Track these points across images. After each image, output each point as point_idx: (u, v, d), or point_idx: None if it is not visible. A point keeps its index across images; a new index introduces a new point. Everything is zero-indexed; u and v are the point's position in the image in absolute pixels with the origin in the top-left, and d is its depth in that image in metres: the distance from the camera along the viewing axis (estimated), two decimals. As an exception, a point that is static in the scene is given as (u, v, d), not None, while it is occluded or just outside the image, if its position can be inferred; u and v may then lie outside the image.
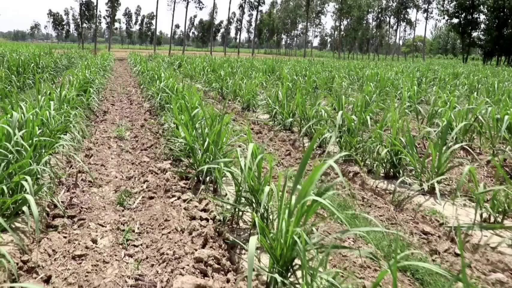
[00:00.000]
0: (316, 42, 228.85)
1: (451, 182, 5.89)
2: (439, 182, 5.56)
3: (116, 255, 4.29)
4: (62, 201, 5.04)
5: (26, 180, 4.39)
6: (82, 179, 5.59)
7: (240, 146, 6.86)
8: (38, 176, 5.02)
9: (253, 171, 4.64)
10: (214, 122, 6.68)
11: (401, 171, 5.91)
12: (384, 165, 6.03)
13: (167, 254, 4.20)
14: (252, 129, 11.65)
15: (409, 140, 6.35)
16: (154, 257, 4.26)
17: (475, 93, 16.18)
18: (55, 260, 4.12)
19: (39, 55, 23.64)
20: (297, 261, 3.77)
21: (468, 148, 6.09)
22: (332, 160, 3.72)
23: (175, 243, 4.41)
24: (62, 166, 5.71)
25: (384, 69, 29.98)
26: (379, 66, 39.18)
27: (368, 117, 8.83)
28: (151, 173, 5.80)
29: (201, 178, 5.50)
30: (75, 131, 8.64)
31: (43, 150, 5.12)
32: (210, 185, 5.47)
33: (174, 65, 33.45)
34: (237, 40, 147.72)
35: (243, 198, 4.76)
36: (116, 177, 5.70)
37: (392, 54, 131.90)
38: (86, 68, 18.04)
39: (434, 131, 8.80)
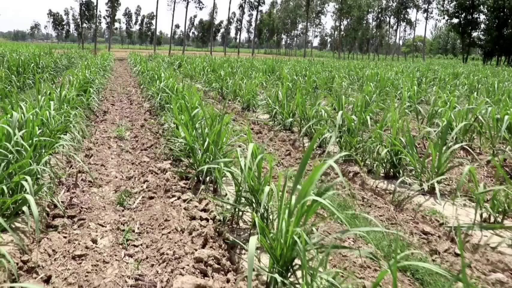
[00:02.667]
0: (316, 42, 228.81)
1: (451, 182, 5.89)
2: (439, 182, 5.56)
3: (116, 255, 4.30)
4: (62, 201, 5.04)
5: (26, 180, 4.40)
6: (82, 179, 5.59)
7: (240, 146, 6.86)
8: (38, 176, 5.02)
9: (253, 171, 4.64)
10: (214, 122, 6.67)
11: (401, 171, 5.91)
12: (384, 165, 6.03)
13: (167, 254, 4.21)
14: (252, 129, 11.66)
15: (409, 140, 6.35)
16: (154, 257, 4.26)
17: (475, 93, 16.19)
18: (55, 260, 4.12)
19: (39, 55, 23.67)
20: (297, 261, 3.77)
21: (468, 148, 6.10)
22: (332, 160, 3.72)
23: (175, 243, 4.41)
24: (62, 166, 5.72)
25: (383, 69, 29.99)
26: (379, 66, 39.18)
27: (368, 117, 8.82)
28: (151, 173, 5.80)
29: (201, 178, 5.50)
30: (75, 131, 8.64)
31: (43, 150, 5.12)
32: (210, 185, 5.47)
33: (174, 65, 33.45)
34: (237, 40, 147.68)
35: (243, 198, 4.77)
36: (116, 177, 5.70)
37: (392, 54, 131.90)
38: (86, 68, 18.06)
39: (434, 131, 8.80)
